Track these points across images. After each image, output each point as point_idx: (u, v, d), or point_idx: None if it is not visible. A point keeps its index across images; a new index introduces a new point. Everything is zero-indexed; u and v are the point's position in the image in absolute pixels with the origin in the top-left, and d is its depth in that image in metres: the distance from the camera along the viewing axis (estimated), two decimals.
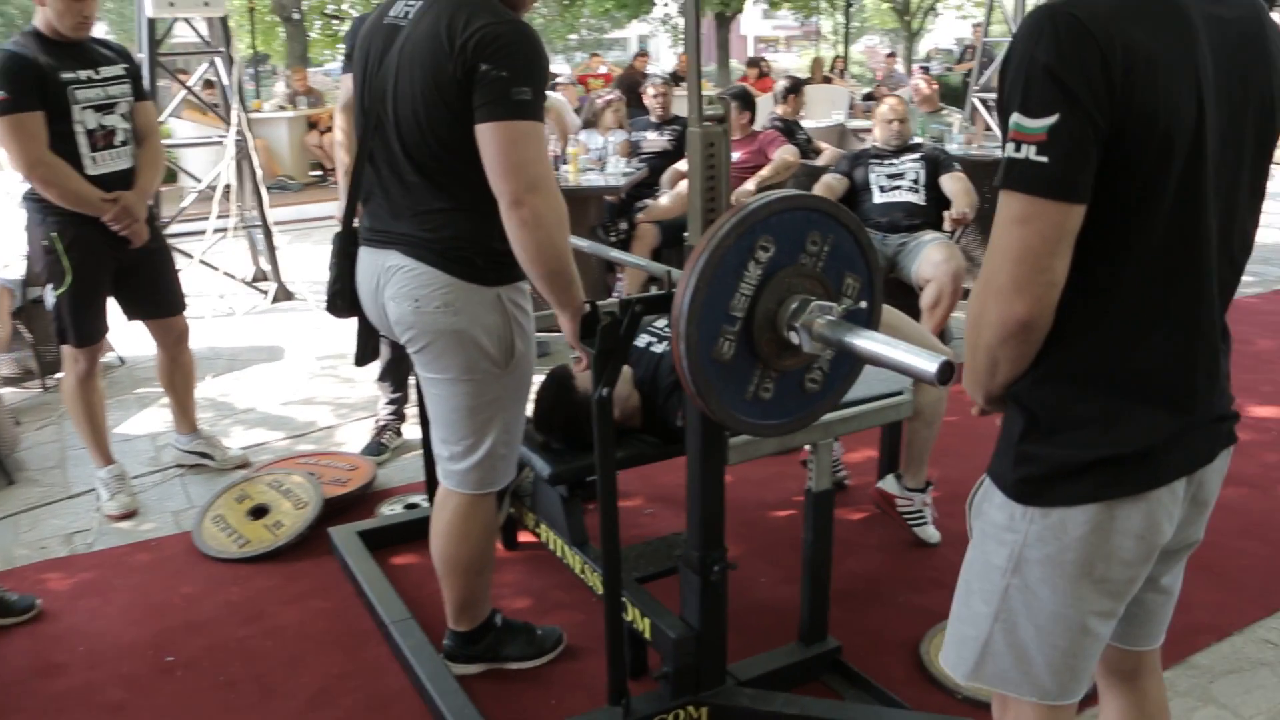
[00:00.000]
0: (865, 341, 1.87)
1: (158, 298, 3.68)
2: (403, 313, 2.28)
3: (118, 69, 3.44)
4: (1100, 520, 1.40)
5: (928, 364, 1.73)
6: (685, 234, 2.22)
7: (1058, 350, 1.38)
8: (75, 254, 3.36)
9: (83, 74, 3.31)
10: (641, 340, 2.89)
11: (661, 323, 2.94)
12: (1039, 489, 1.42)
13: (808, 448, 2.48)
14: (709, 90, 16.08)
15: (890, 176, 4.95)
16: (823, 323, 1.94)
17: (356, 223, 2.44)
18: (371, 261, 2.35)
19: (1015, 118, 1.28)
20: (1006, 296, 1.31)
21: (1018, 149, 1.28)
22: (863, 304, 2.12)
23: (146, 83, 4.78)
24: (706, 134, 2.07)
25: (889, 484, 3.33)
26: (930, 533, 3.26)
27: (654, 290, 4.11)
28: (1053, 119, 1.25)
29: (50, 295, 3.42)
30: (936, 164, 4.95)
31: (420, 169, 2.21)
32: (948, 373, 1.71)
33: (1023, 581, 1.46)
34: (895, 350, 1.82)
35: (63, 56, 3.28)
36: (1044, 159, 1.26)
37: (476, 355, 2.27)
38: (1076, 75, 1.24)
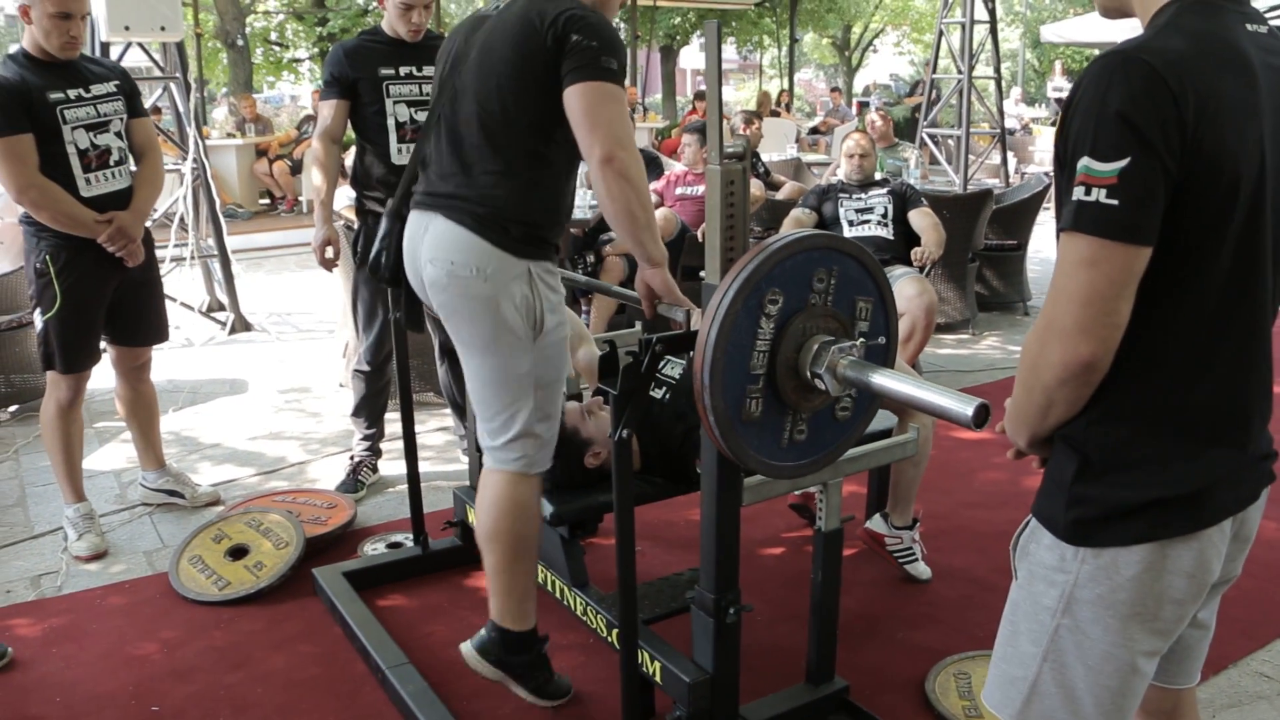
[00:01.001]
0: (892, 382, 1.88)
1: (144, 324, 3.61)
2: (437, 275, 2.33)
3: (109, 86, 3.37)
4: (1153, 560, 1.41)
5: (963, 406, 1.73)
6: (702, 273, 2.20)
7: (1114, 391, 1.38)
8: (66, 278, 3.28)
9: (72, 93, 3.25)
10: None
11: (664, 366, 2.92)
12: (1092, 530, 1.42)
13: (815, 489, 2.47)
14: (657, 123, 16.07)
15: (859, 211, 5.00)
16: (845, 364, 1.94)
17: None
18: (416, 224, 2.41)
19: (1085, 161, 1.28)
20: (1071, 338, 1.32)
21: (1087, 192, 1.28)
22: (880, 339, 2.13)
23: None
24: (727, 172, 2.06)
25: (876, 524, 3.33)
26: (921, 569, 3.27)
27: (636, 326, 4.10)
28: (1124, 162, 1.26)
29: (39, 319, 3.34)
30: (904, 199, 5.00)
31: (484, 127, 2.30)
32: (983, 415, 1.71)
33: (1073, 621, 1.46)
34: (925, 391, 1.83)
35: (51, 76, 3.22)
36: (1114, 202, 1.27)
37: (502, 325, 2.30)
38: (1149, 119, 1.25)
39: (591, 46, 2.19)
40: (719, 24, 1.96)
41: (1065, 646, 1.48)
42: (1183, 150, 1.27)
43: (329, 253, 3.71)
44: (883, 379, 1.88)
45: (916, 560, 3.28)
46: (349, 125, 3.73)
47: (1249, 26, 1.37)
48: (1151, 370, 1.39)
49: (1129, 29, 1.48)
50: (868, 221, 4.96)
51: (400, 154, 3.66)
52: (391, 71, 3.62)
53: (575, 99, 2.20)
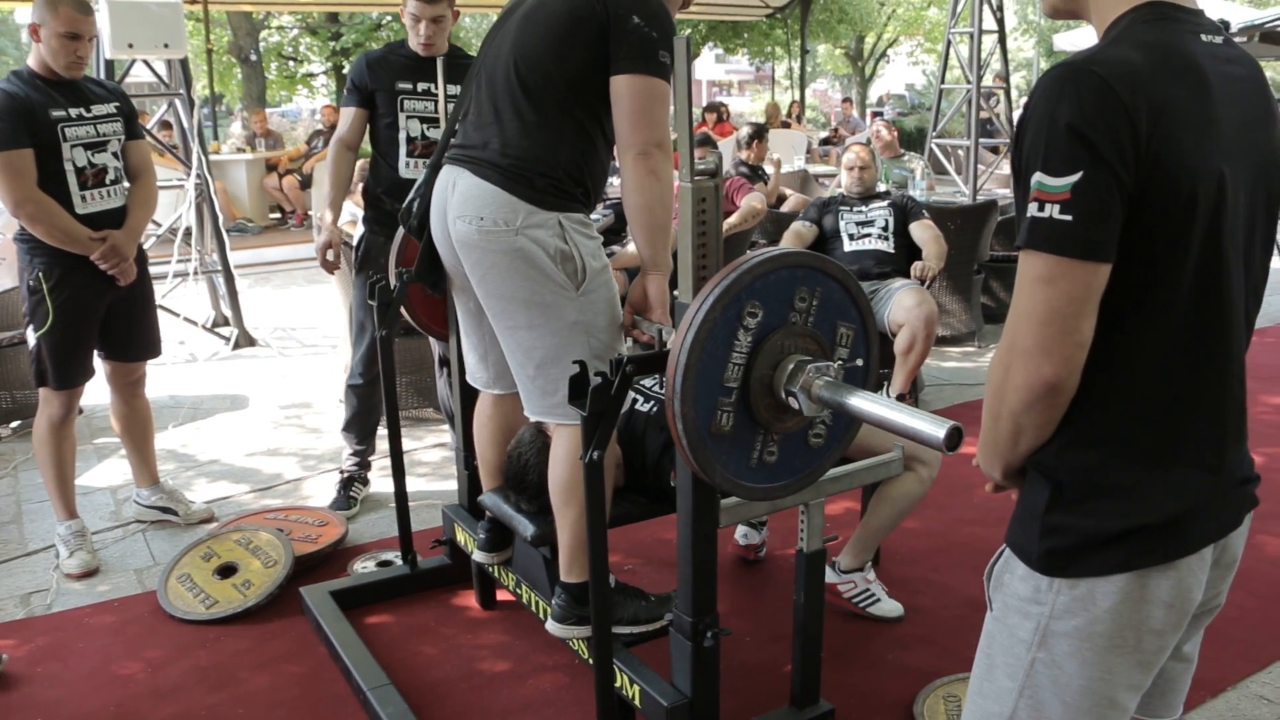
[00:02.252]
0: (866, 404, 1.84)
1: (136, 339, 3.62)
2: (467, 232, 2.31)
3: (109, 107, 3.42)
4: (1130, 590, 1.36)
5: (934, 428, 1.69)
6: (675, 292, 2.18)
7: (1084, 416, 1.34)
8: (59, 295, 3.31)
9: (73, 111, 3.29)
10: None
11: (648, 381, 2.89)
12: (1066, 560, 1.38)
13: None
14: None
15: (860, 224, 4.96)
16: (821, 384, 1.91)
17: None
18: (445, 179, 2.41)
19: (1037, 177, 1.25)
20: (1033, 359, 1.28)
21: (1041, 208, 1.25)
22: (858, 361, 2.09)
23: None
24: (698, 189, 2.03)
25: (827, 574, 3.18)
26: (888, 607, 3.09)
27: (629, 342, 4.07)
28: (1076, 176, 1.23)
29: (31, 336, 3.36)
30: (905, 211, 4.97)
31: (519, 77, 2.30)
32: (956, 438, 1.67)
33: (1049, 655, 1.41)
34: (898, 413, 1.79)
35: (53, 94, 3.26)
36: (1068, 217, 1.23)
37: (540, 276, 2.27)
38: (1100, 131, 1.22)
39: (651, 37, 2.19)
40: (689, 39, 1.93)
41: (1041, 682, 1.43)
42: (1137, 162, 1.23)
43: (330, 255, 3.76)
44: (857, 400, 1.85)
45: (879, 600, 3.10)
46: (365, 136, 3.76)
47: (1204, 37, 1.34)
48: (1120, 393, 1.35)
49: None
50: (868, 235, 4.92)
51: (409, 168, 3.68)
52: (408, 86, 3.65)
53: (625, 89, 2.20)
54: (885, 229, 4.91)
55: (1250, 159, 1.36)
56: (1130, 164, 1.23)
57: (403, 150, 3.68)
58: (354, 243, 3.99)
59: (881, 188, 5.36)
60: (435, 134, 3.67)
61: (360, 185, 4.13)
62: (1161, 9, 1.34)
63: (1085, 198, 1.22)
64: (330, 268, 3.81)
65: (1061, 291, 1.25)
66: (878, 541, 3.13)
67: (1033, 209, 1.26)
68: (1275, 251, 1.52)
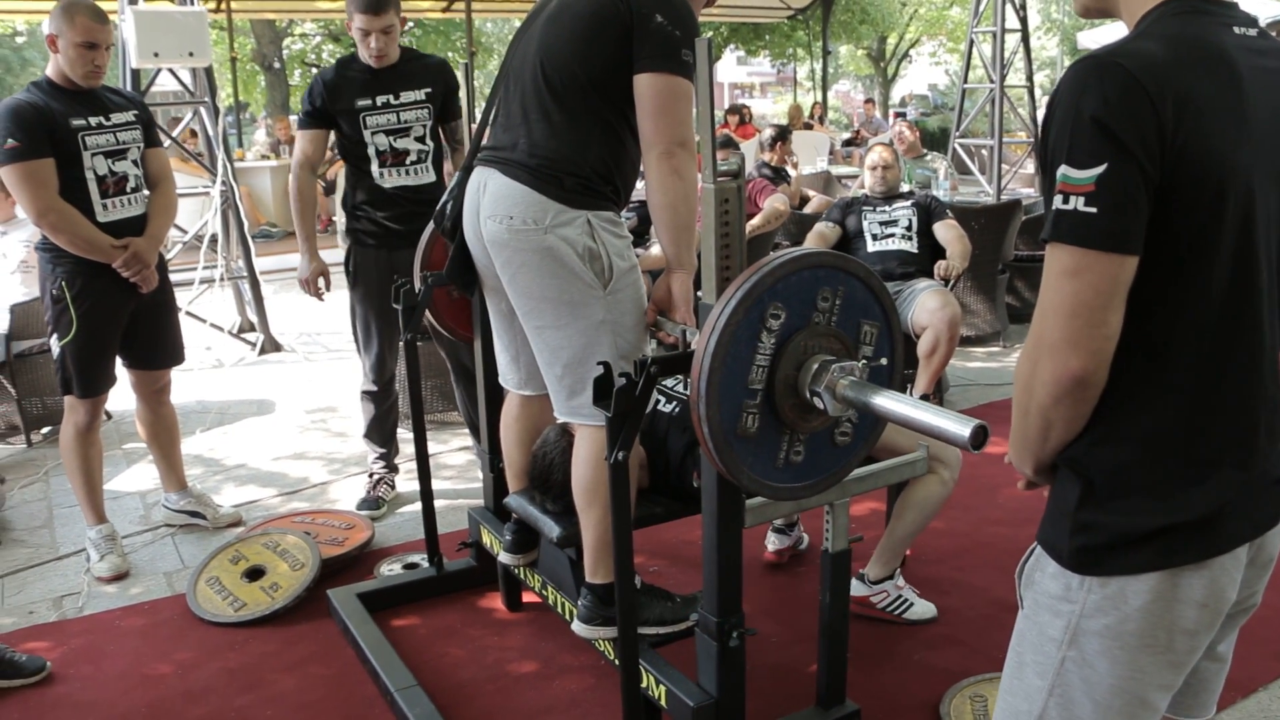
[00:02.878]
0: (891, 403, 1.84)
1: (159, 347, 3.65)
2: (497, 231, 2.34)
3: (129, 115, 3.44)
4: (1162, 589, 1.35)
5: (960, 427, 1.69)
6: (699, 293, 2.19)
7: (1114, 412, 1.34)
8: (82, 304, 3.34)
9: (93, 120, 3.32)
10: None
11: (670, 381, 2.90)
12: (1097, 558, 1.37)
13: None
14: None
15: (883, 224, 4.95)
16: (845, 384, 1.90)
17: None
18: (476, 180, 2.44)
19: (1062, 170, 1.25)
20: (1060, 352, 1.27)
21: (1065, 201, 1.25)
22: (882, 360, 2.09)
23: None
24: (720, 190, 2.03)
25: (855, 588, 3.05)
26: (921, 610, 3.10)
27: (652, 344, 4.07)
28: (1100, 168, 1.22)
29: (55, 345, 3.39)
30: (929, 211, 4.94)
31: (546, 79, 2.32)
32: (981, 436, 1.67)
33: (1080, 654, 1.41)
34: (923, 412, 1.79)
35: (73, 104, 3.29)
36: (1093, 209, 1.23)
37: (569, 275, 2.29)
38: (1125, 124, 1.21)
39: (674, 35, 2.20)
40: (710, 41, 1.94)
41: (1071, 680, 1.43)
42: (1163, 155, 1.23)
43: (321, 284, 3.87)
44: (881, 400, 1.85)
45: (912, 605, 3.10)
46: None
47: (1236, 29, 1.32)
48: (1151, 388, 1.34)
49: None
50: (892, 235, 4.91)
51: (383, 178, 3.71)
52: (368, 102, 3.66)
53: (647, 88, 2.22)
54: (909, 229, 4.90)
55: None
56: (1155, 156, 1.22)
57: (374, 164, 3.71)
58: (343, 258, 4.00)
59: (905, 188, 5.34)
60: (403, 144, 3.70)
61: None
62: (1192, 2, 1.33)
63: (1110, 190, 1.22)
64: (320, 295, 3.92)
65: (1088, 284, 1.25)
66: (904, 548, 3.12)
67: (1057, 202, 1.25)
68: None
